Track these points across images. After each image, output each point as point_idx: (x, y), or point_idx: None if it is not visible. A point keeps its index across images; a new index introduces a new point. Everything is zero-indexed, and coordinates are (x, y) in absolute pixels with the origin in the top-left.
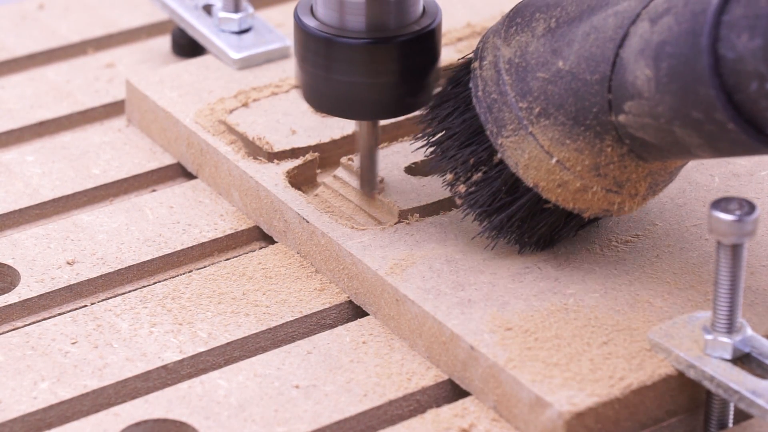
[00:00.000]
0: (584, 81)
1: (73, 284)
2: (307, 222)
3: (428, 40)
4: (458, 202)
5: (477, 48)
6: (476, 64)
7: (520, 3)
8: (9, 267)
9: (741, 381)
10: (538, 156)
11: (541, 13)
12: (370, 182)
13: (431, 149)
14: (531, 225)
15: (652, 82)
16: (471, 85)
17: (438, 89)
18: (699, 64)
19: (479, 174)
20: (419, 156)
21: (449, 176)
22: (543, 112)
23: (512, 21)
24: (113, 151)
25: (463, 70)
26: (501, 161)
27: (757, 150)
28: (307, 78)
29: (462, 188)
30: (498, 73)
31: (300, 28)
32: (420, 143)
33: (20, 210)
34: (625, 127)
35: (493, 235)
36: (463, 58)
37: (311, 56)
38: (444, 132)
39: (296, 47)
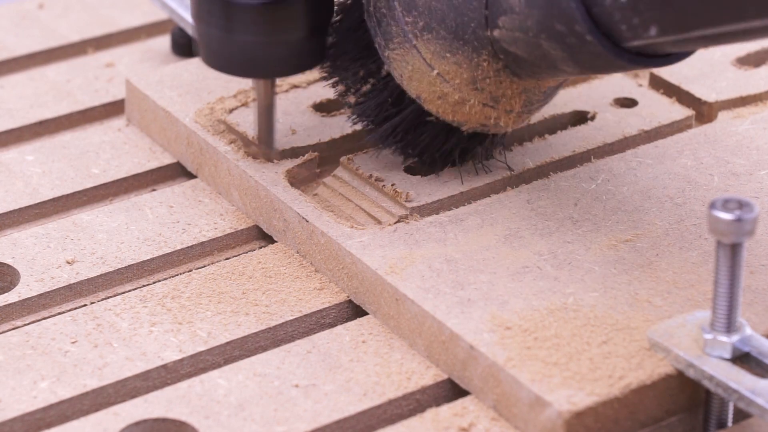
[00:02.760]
0: None
1: (73, 283)
2: (307, 221)
3: None
4: (349, 113)
5: None
6: None
7: None
8: (9, 266)
9: (740, 380)
10: (420, 68)
11: None
12: (267, 140)
13: (326, 63)
14: (414, 136)
15: None
16: (363, 1)
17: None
18: None
19: (368, 85)
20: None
21: (340, 87)
22: (426, 26)
23: None
24: (113, 151)
25: None
26: (388, 73)
27: (615, 64)
28: (206, 39)
29: (352, 99)
30: None
31: None
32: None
33: (20, 209)
34: (500, 42)
35: (378, 144)
36: None
37: (209, 17)
38: (338, 45)
39: (193, 8)
